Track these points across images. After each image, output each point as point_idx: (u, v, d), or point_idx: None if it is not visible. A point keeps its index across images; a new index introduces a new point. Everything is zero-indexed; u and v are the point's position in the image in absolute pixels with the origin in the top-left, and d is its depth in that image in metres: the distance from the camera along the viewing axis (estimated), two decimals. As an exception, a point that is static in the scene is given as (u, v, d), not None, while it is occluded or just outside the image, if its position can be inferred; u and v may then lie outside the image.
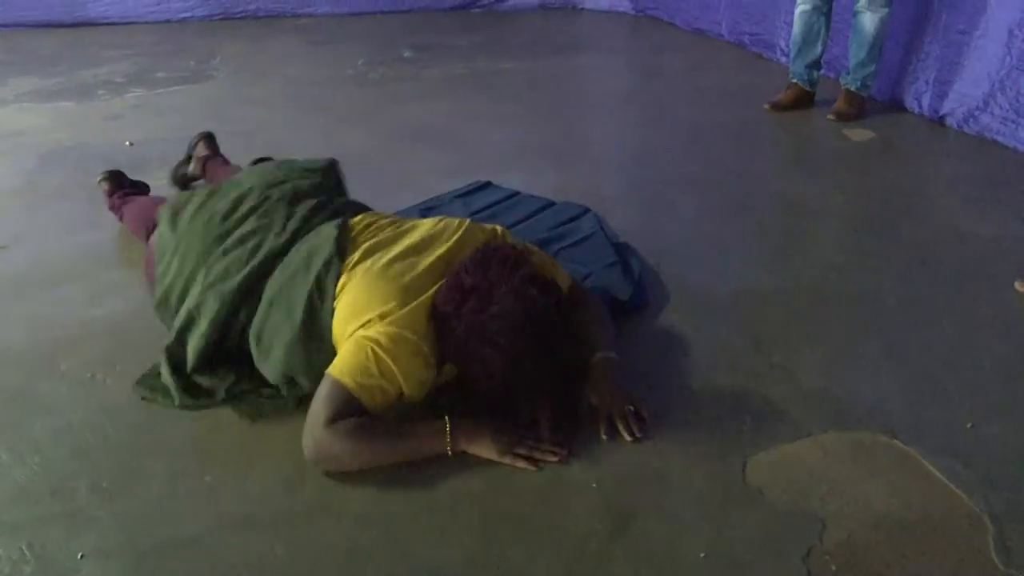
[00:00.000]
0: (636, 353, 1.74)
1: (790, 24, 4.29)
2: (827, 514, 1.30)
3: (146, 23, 5.43)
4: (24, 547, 1.26)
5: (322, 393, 1.40)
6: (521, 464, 1.40)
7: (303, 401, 1.49)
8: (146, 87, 3.93)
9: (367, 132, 3.30)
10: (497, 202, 2.54)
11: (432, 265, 1.52)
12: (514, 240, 1.68)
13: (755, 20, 4.70)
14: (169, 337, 1.64)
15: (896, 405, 1.57)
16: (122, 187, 2.39)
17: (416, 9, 6.02)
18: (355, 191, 2.59)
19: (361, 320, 1.43)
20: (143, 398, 1.60)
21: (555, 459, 1.41)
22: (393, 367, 1.38)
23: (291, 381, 1.54)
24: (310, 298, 1.51)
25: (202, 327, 1.59)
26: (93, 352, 1.77)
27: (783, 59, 4.42)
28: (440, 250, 1.56)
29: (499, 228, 1.69)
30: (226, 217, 1.74)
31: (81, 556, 1.24)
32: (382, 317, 1.41)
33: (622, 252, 2.17)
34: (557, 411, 1.47)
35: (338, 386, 1.39)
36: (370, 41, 5.07)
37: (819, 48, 3.51)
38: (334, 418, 1.37)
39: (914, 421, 1.52)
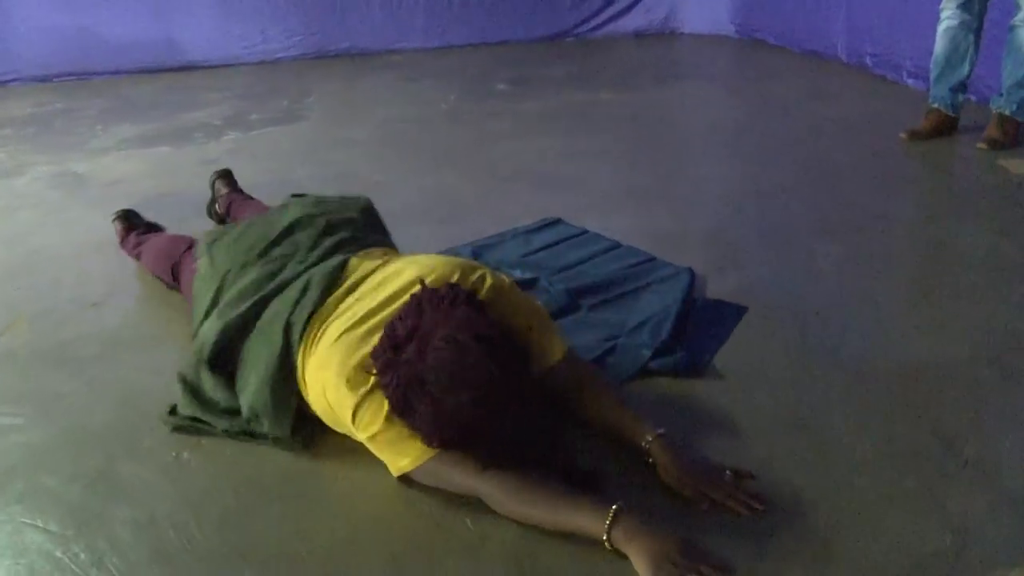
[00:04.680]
0: (791, 437, 1.46)
1: (918, 42, 3.93)
2: None
3: (243, 64, 5.50)
4: None
5: (432, 481, 1.36)
6: None
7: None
8: (241, 129, 3.91)
9: (464, 173, 3.14)
10: (559, 241, 2.37)
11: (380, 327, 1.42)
12: (491, 282, 1.49)
13: (877, 39, 4.33)
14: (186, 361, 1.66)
15: None
16: (136, 227, 2.39)
17: (508, 41, 5.91)
18: (454, 237, 2.46)
19: (341, 420, 1.40)
20: (174, 429, 1.59)
21: None
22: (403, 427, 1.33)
23: (256, 417, 1.52)
24: (286, 334, 1.50)
25: (205, 351, 1.59)
26: (179, 428, 1.63)
27: (911, 81, 4.04)
28: (393, 308, 1.45)
29: (486, 274, 1.51)
30: (259, 247, 1.77)
31: None
32: (353, 419, 1.36)
33: (668, 314, 1.86)
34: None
35: (419, 469, 1.34)
36: (463, 75, 4.96)
37: (966, 68, 3.13)
38: (468, 474, 1.30)
39: None
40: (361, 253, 1.69)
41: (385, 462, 1.38)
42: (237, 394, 1.57)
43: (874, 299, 1.99)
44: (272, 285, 1.64)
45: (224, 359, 1.60)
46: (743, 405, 1.59)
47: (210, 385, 1.59)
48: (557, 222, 2.52)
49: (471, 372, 1.24)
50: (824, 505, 1.31)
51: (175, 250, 2.12)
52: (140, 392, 1.76)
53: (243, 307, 1.62)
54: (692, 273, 2.08)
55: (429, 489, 1.39)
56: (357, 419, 1.36)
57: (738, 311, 1.92)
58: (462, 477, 1.31)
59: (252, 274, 1.71)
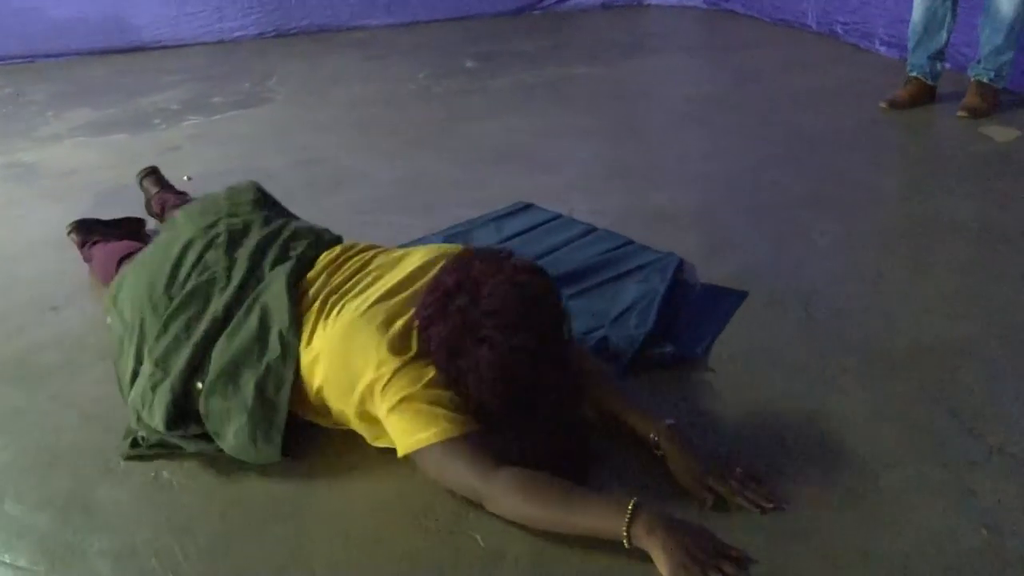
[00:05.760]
0: (808, 427, 1.41)
1: (890, 9, 3.89)
2: None
3: (200, 44, 5.25)
4: None
5: (438, 467, 1.26)
6: None
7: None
8: (203, 114, 3.72)
9: (438, 155, 3.01)
10: (533, 227, 2.28)
11: (412, 297, 1.38)
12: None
13: (849, 7, 4.28)
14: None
15: None
16: (92, 235, 2.17)
17: (475, 15, 5.72)
18: (432, 224, 2.35)
19: (362, 388, 1.30)
20: (128, 458, 1.46)
21: None
22: (440, 397, 1.27)
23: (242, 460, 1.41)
24: (261, 383, 1.38)
25: (155, 417, 1.43)
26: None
27: (883, 49, 4.00)
28: (421, 281, 1.40)
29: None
30: (168, 286, 1.57)
31: None
32: (386, 384, 1.28)
33: (652, 301, 1.77)
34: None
35: (437, 448, 1.24)
36: (430, 52, 4.80)
37: (944, 36, 3.09)
38: (479, 469, 1.22)
39: None
40: (324, 254, 1.56)
41: (398, 437, 1.28)
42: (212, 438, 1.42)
43: (876, 277, 1.94)
44: (200, 332, 1.47)
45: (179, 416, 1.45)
46: (754, 395, 1.53)
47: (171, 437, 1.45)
48: (529, 207, 2.42)
49: (534, 310, 1.21)
50: (848, 501, 1.26)
51: (126, 249, 1.97)
52: (110, 405, 1.63)
53: (182, 360, 1.45)
54: (678, 259, 1.99)
55: (431, 503, 1.30)
56: (391, 384, 1.27)
57: (738, 296, 1.85)
58: (473, 468, 1.22)
59: (176, 320, 1.50)
